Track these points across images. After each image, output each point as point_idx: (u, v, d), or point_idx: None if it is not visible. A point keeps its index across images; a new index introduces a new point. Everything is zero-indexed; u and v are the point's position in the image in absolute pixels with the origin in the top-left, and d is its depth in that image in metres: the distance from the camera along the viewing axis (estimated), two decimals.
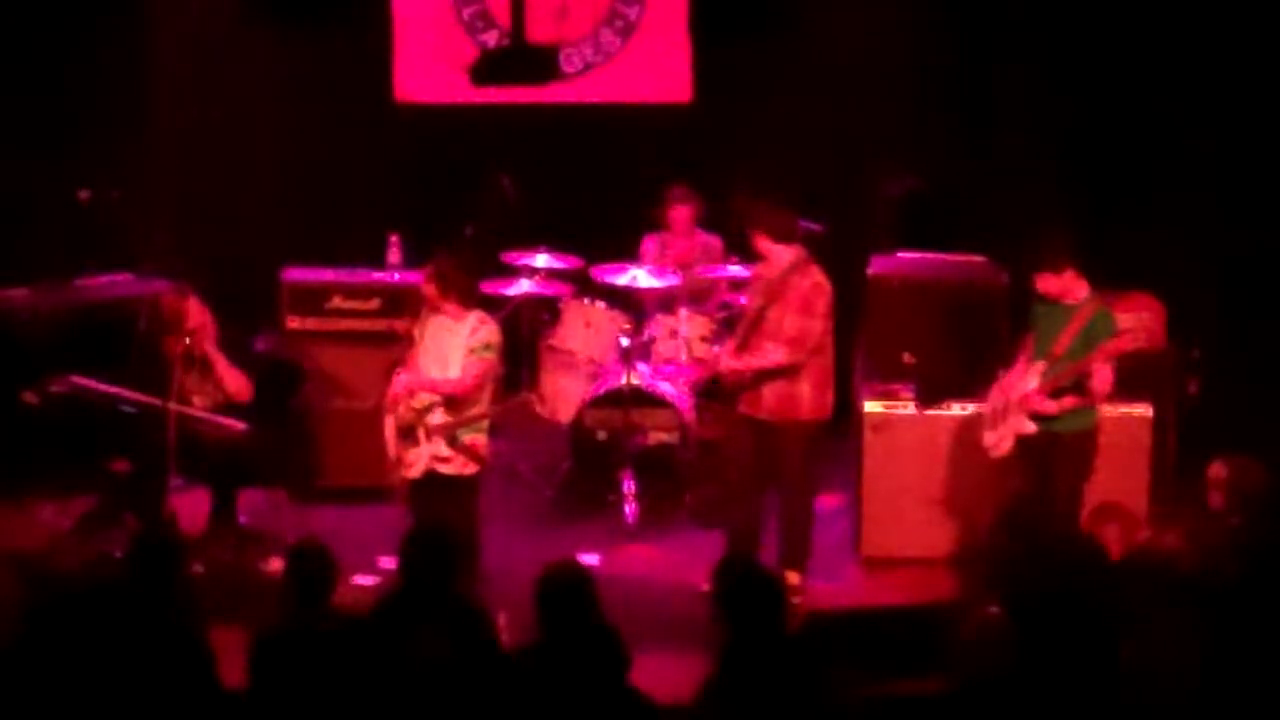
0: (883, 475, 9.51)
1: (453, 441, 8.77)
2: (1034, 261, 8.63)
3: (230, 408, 9.17)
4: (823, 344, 8.86)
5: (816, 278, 8.86)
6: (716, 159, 11.40)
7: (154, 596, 6.62)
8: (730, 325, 10.25)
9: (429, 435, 8.78)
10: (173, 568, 6.77)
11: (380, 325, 10.16)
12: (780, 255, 8.89)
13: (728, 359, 9.02)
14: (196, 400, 9.14)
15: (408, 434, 8.81)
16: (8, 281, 10.28)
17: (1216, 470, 7.63)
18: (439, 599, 6.73)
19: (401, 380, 8.83)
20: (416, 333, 8.95)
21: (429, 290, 8.86)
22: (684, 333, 10.31)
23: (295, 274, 10.35)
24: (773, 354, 8.80)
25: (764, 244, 8.91)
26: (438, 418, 8.79)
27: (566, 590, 6.41)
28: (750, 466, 8.99)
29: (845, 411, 9.50)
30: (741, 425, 8.99)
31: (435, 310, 8.87)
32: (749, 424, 8.93)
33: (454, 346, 8.83)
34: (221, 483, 9.30)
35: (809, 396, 8.85)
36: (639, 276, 10.32)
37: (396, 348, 9.07)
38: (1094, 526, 7.83)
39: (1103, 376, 8.47)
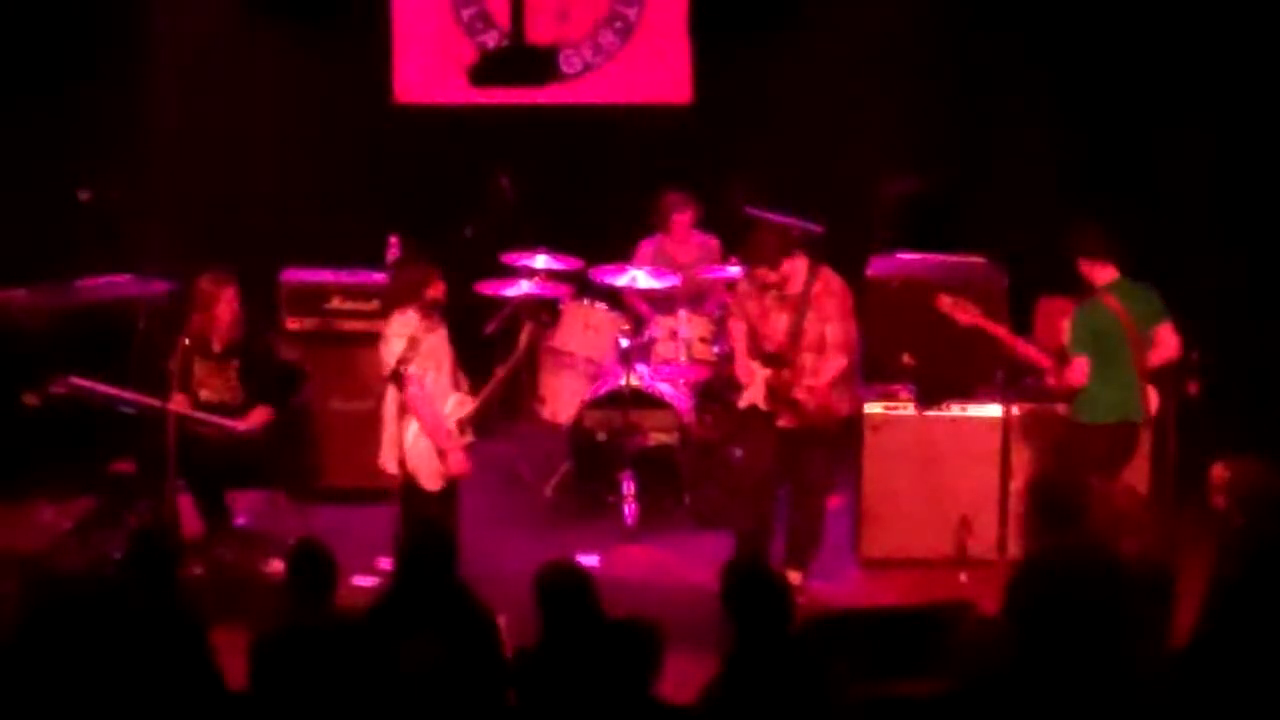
0: (883, 475, 9.50)
1: (466, 428, 8.88)
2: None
3: (230, 408, 9.19)
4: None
5: (838, 278, 8.87)
6: (716, 160, 11.39)
7: (152, 597, 6.62)
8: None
9: (463, 430, 8.81)
10: (169, 568, 6.76)
11: (380, 326, 10.12)
12: (800, 267, 8.84)
13: (803, 383, 8.76)
14: (204, 393, 9.15)
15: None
16: (8, 281, 10.28)
17: (1219, 472, 7.61)
18: (437, 599, 6.72)
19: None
20: (424, 341, 8.62)
21: (440, 292, 8.81)
22: (683, 334, 10.31)
23: (294, 274, 10.34)
24: (834, 363, 8.78)
25: (801, 260, 8.79)
26: (464, 410, 8.83)
27: (562, 588, 6.41)
28: (767, 472, 8.96)
29: None
30: (767, 432, 8.92)
31: (434, 313, 8.83)
32: (779, 433, 8.88)
33: (441, 344, 8.85)
34: (221, 483, 9.30)
35: (848, 395, 8.95)
36: (638, 278, 10.33)
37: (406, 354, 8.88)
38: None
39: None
